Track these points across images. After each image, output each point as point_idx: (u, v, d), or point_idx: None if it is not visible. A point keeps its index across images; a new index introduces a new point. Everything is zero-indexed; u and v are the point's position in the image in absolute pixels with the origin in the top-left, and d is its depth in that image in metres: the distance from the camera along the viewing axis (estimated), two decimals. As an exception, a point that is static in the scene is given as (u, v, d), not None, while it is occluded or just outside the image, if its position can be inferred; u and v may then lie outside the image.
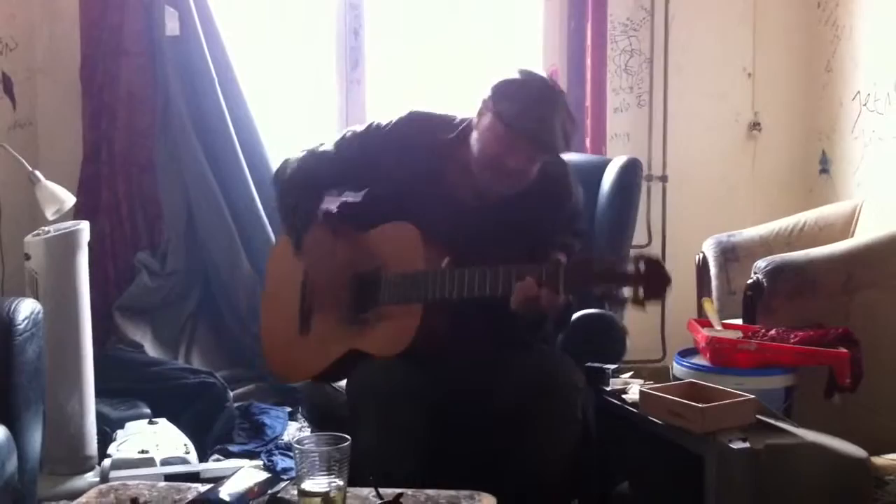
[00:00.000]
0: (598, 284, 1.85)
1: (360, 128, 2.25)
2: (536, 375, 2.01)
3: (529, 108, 1.97)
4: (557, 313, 1.98)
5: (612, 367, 2.37)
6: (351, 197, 2.31)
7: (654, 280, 1.80)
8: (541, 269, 1.88)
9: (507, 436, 1.98)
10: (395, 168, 2.14)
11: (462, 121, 2.15)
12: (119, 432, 2.85)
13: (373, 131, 2.21)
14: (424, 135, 2.15)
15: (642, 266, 1.80)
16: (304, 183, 2.23)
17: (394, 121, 2.20)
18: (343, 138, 2.25)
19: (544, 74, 2.12)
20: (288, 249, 2.25)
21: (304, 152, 2.28)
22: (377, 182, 2.21)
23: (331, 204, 2.28)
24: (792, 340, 2.62)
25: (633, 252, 1.86)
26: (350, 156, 2.21)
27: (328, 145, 2.25)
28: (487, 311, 2.00)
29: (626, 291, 1.82)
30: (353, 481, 1.62)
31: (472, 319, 2.03)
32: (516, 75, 2.03)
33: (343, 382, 2.29)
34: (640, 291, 1.80)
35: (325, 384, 2.28)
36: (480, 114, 2.05)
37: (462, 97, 3.94)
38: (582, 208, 2.22)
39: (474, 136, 2.06)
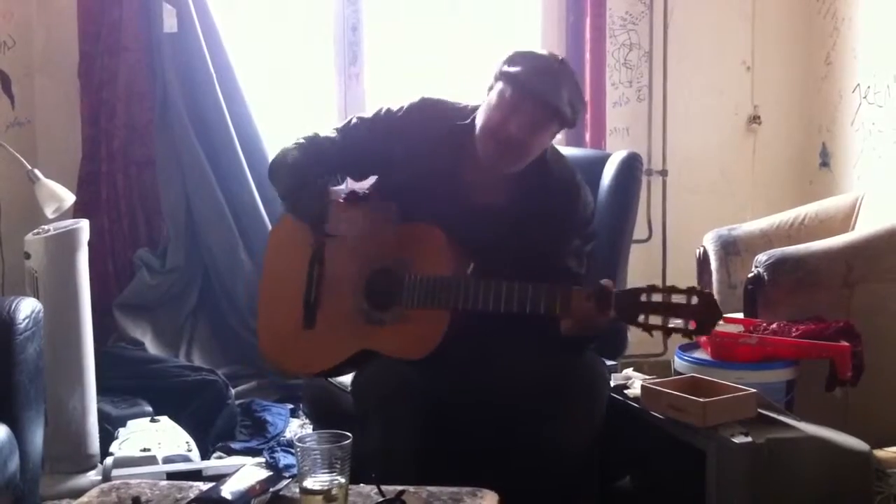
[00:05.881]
0: (648, 313, 1.83)
1: (367, 114, 2.17)
2: (563, 372, 2.00)
3: (538, 72, 1.94)
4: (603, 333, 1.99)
5: (613, 362, 2.37)
6: (356, 186, 2.22)
7: (707, 315, 1.79)
8: (590, 292, 1.88)
9: (526, 432, 1.96)
10: (406, 157, 2.08)
11: (474, 108, 2.07)
12: (121, 430, 2.84)
13: (382, 117, 2.13)
14: (437, 122, 2.08)
15: (695, 300, 1.79)
16: (308, 167, 2.10)
17: (405, 107, 2.12)
18: (348, 124, 2.17)
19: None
20: (292, 234, 2.14)
21: (303, 139, 2.16)
22: (385, 171, 2.13)
23: (338, 192, 2.18)
24: (793, 334, 2.61)
25: (687, 286, 1.84)
26: (356, 142, 2.13)
27: (329, 132, 2.16)
28: (520, 325, 1.96)
29: (675, 322, 1.80)
30: (356, 480, 1.62)
31: (502, 331, 1.99)
32: (528, 50, 2.01)
33: (345, 379, 2.29)
34: (691, 325, 1.79)
35: (327, 381, 2.26)
36: (489, 88, 2.00)
37: (461, 92, 3.95)
38: (592, 212, 2.18)
39: (481, 109, 2.01)
